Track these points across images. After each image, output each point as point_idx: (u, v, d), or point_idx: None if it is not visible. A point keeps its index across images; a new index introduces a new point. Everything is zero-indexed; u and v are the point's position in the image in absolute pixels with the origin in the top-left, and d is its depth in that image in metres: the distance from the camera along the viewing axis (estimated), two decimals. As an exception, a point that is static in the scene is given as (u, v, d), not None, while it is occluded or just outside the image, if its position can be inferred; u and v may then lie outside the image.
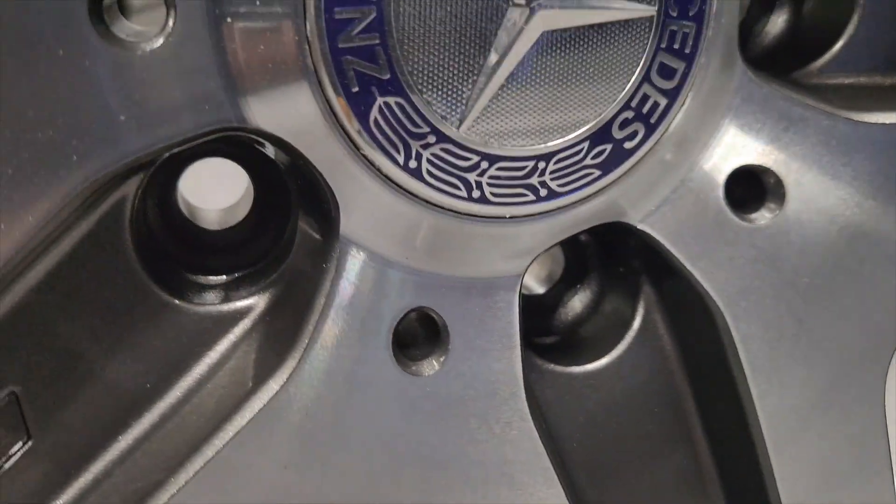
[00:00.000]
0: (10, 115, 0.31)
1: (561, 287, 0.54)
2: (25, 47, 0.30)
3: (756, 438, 0.46)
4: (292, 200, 0.43)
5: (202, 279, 0.43)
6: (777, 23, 0.49)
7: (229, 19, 0.34)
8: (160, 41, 0.33)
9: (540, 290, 0.54)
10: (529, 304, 0.50)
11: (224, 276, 0.43)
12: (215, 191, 0.50)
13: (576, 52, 0.38)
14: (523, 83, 0.38)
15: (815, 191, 0.45)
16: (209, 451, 0.37)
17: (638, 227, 0.44)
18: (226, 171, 0.48)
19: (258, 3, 0.34)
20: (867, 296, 0.45)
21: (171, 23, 0.33)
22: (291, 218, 0.44)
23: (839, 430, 0.46)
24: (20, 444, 0.36)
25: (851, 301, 0.45)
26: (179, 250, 0.43)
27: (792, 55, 0.48)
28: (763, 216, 0.45)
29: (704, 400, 0.48)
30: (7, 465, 0.37)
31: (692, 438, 0.48)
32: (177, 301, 0.40)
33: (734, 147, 0.45)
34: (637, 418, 0.48)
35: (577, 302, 0.53)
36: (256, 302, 0.42)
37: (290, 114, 0.36)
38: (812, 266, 0.45)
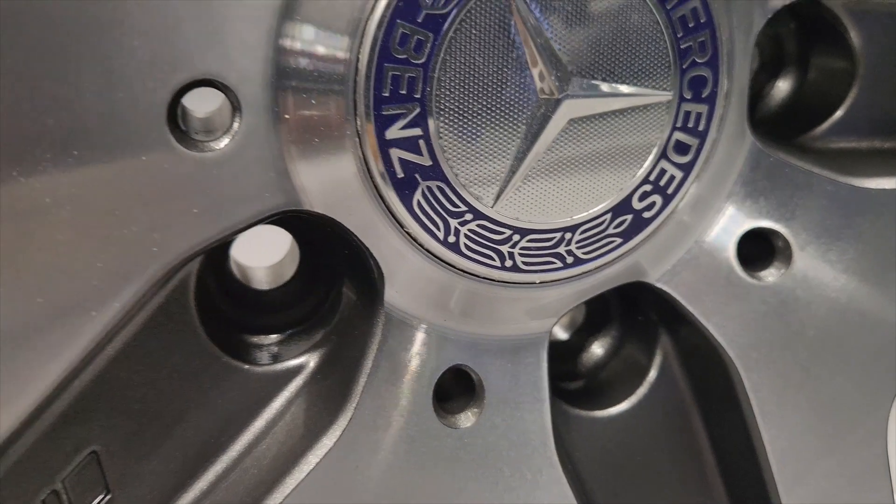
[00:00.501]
0: (101, 215, 0.34)
1: (583, 333, 0.57)
2: (114, 156, 0.34)
3: (767, 479, 0.49)
4: (337, 265, 0.47)
5: (257, 339, 0.47)
6: (782, 89, 0.52)
7: (287, 117, 0.38)
8: (226, 141, 0.37)
9: (563, 336, 0.58)
10: (553, 350, 0.54)
11: (277, 336, 0.47)
12: (260, 247, 0.54)
13: (599, 135, 0.42)
14: (551, 165, 0.42)
15: (819, 251, 0.48)
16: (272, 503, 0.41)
17: (656, 285, 0.48)
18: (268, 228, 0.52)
19: (314, 102, 0.38)
20: (868, 347, 0.49)
21: (235, 125, 0.37)
22: (336, 282, 0.48)
23: (843, 472, 0.50)
24: (100, 497, 0.40)
25: (853, 352, 0.49)
26: (236, 312, 0.47)
27: (797, 120, 0.51)
28: (771, 274, 0.48)
29: (719, 443, 0.52)
30: (87, 518, 0.40)
31: (708, 480, 0.52)
32: (237, 362, 0.44)
33: (744, 211, 0.48)
34: (656, 460, 0.52)
35: (599, 348, 0.57)
36: (308, 360, 0.46)
37: (341, 197, 0.40)
38: (817, 320, 0.49)
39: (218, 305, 0.46)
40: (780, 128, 0.52)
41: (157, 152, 0.35)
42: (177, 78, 0.35)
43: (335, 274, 0.48)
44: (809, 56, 0.51)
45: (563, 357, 0.57)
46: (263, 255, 0.54)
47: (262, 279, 0.51)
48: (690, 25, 0.42)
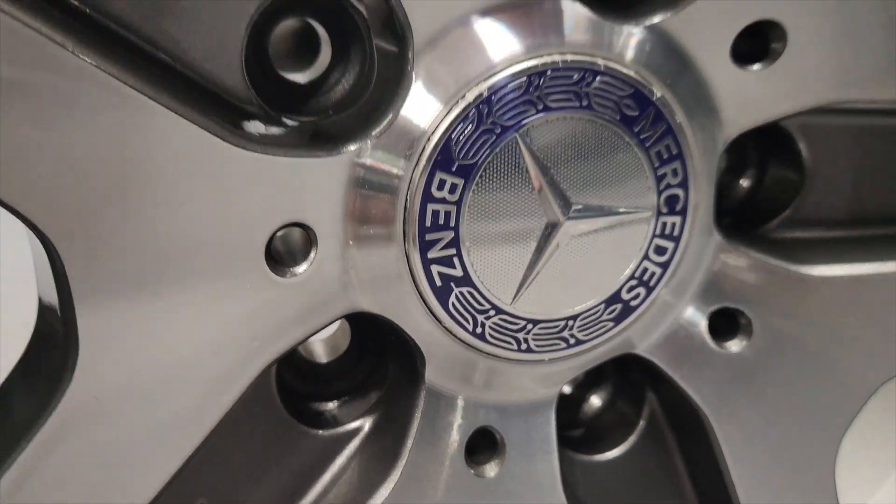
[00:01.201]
0: (218, 329, 0.45)
1: (584, 389, 0.68)
2: (226, 284, 0.45)
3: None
4: (385, 343, 0.57)
5: (321, 406, 0.57)
6: (744, 187, 0.63)
7: (351, 243, 0.49)
8: (305, 266, 0.48)
9: (567, 390, 0.68)
10: (559, 402, 0.64)
11: (336, 402, 0.58)
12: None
13: (594, 246, 0.52)
14: (556, 270, 0.52)
15: (777, 326, 0.59)
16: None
17: (643, 355, 0.59)
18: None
19: (372, 232, 0.49)
20: (816, 403, 0.59)
21: (312, 255, 0.47)
22: (383, 355, 0.58)
23: (802, 499, 0.60)
24: (204, 540, 0.51)
25: (805, 407, 0.60)
26: (302, 383, 0.58)
27: (756, 214, 0.62)
28: (736, 345, 0.59)
29: (698, 482, 0.63)
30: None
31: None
32: (306, 428, 0.54)
33: (713, 293, 0.59)
34: (647, 498, 0.62)
35: (596, 400, 0.67)
36: (363, 423, 0.56)
37: (393, 301, 0.51)
38: (776, 380, 0.59)
39: (288, 379, 0.57)
40: (743, 219, 0.63)
41: (256, 280, 0.46)
42: (275, 224, 0.45)
43: (383, 349, 0.59)
44: (767, 163, 0.61)
45: (566, 408, 0.67)
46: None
47: (320, 353, 0.61)
48: (665, 157, 0.53)
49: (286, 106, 0.51)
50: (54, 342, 0.43)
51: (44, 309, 0.46)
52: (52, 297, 0.45)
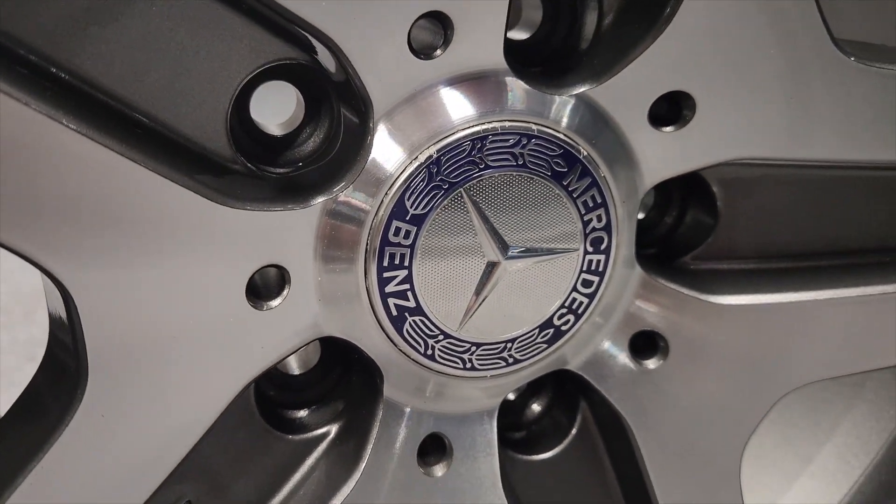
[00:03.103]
0: (202, 358, 0.53)
1: (525, 394, 0.76)
2: (211, 320, 0.52)
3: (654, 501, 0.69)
4: (349, 362, 0.66)
5: (292, 413, 0.65)
6: (666, 223, 0.71)
7: (320, 280, 0.57)
8: (278, 301, 0.55)
9: (511, 396, 0.77)
10: (502, 408, 0.73)
11: (306, 410, 0.66)
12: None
13: (529, 280, 0.61)
14: (496, 301, 0.60)
15: (690, 347, 0.68)
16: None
17: (574, 371, 0.67)
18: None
19: (338, 271, 0.56)
20: (723, 413, 0.69)
21: (286, 291, 0.55)
22: (348, 370, 0.66)
23: (710, 497, 0.69)
24: (191, 530, 0.59)
25: (715, 414, 0.69)
26: (276, 393, 0.66)
27: (674, 248, 0.70)
28: (654, 363, 0.68)
29: (622, 480, 0.72)
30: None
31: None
32: (279, 433, 0.62)
33: (634, 316, 0.67)
34: (579, 496, 0.71)
35: (536, 406, 0.76)
36: (329, 430, 0.64)
37: (355, 327, 0.59)
38: (687, 394, 0.68)
39: (264, 389, 0.65)
40: (664, 250, 0.71)
41: (237, 313, 0.54)
42: (252, 268, 0.53)
43: (347, 365, 0.67)
44: (686, 204, 0.70)
45: (510, 412, 0.76)
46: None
47: (293, 366, 0.69)
48: (591, 205, 0.61)
49: (263, 158, 0.59)
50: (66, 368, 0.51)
51: (54, 336, 0.54)
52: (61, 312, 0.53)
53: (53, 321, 0.52)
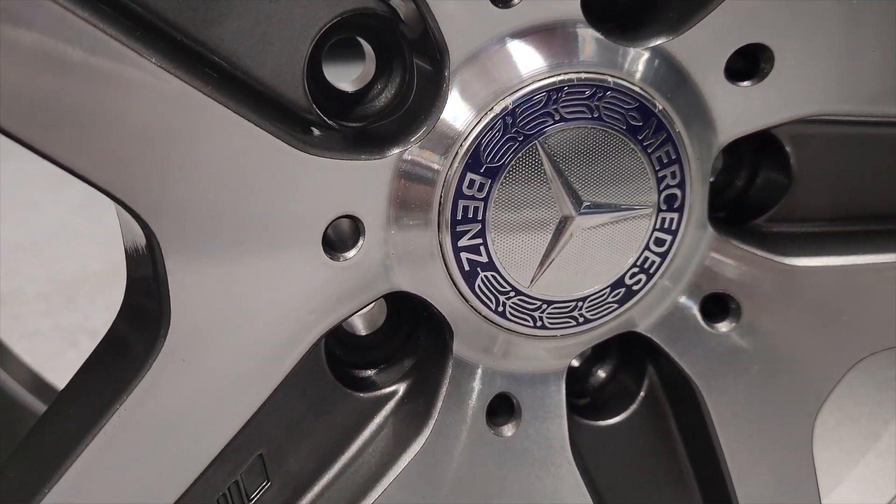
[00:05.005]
0: (280, 307, 0.53)
1: (590, 361, 0.76)
2: (292, 266, 0.52)
3: (725, 473, 0.68)
4: (417, 318, 0.65)
5: (361, 372, 0.65)
6: (737, 185, 0.70)
7: (393, 232, 0.56)
8: (353, 252, 0.55)
9: (576, 363, 0.76)
10: (569, 374, 0.72)
11: (374, 370, 0.66)
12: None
13: (602, 237, 0.60)
14: (569, 258, 0.60)
15: (762, 311, 0.66)
16: (376, 493, 0.60)
17: (643, 333, 0.66)
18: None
19: (411, 223, 0.56)
20: (795, 378, 0.67)
21: (360, 241, 0.55)
22: (416, 329, 0.66)
23: (779, 468, 0.68)
24: (263, 485, 0.59)
25: (785, 382, 0.67)
26: (345, 353, 0.66)
27: (747, 209, 0.69)
28: (726, 326, 0.67)
29: (691, 448, 0.71)
30: (253, 500, 0.59)
31: (685, 479, 0.71)
32: (349, 390, 0.62)
33: (706, 278, 0.66)
34: (645, 461, 0.70)
35: (601, 371, 0.75)
36: (398, 388, 0.64)
37: (427, 282, 0.59)
38: (760, 358, 0.67)
39: (334, 349, 0.65)
40: (735, 214, 0.70)
41: (313, 263, 0.54)
42: (330, 216, 0.53)
43: (415, 323, 0.66)
44: (759, 165, 0.68)
45: (576, 379, 0.75)
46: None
47: (359, 326, 0.69)
48: (665, 161, 0.60)
49: (336, 113, 0.59)
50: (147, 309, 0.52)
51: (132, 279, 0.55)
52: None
53: (132, 261, 0.53)
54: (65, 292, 1.95)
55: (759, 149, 0.70)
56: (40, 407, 0.98)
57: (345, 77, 0.62)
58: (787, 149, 0.68)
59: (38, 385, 1.04)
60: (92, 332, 1.81)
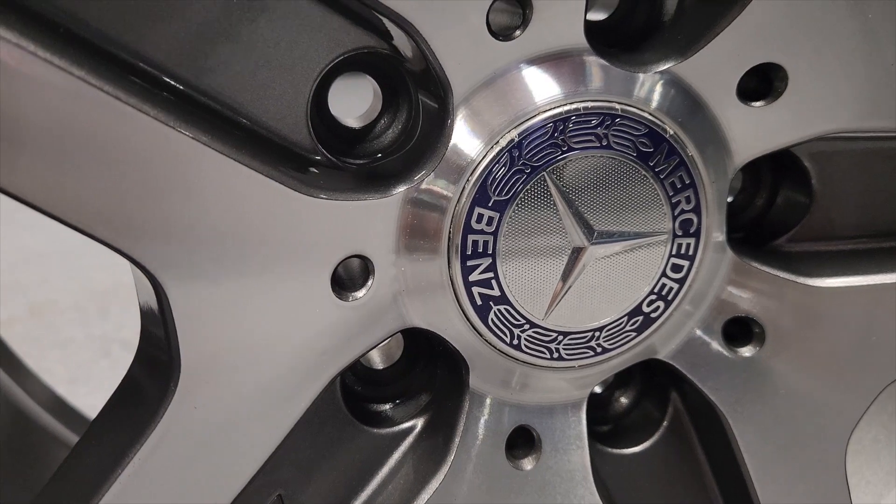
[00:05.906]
0: (292, 350, 0.53)
1: (612, 387, 0.74)
2: (305, 309, 0.52)
3: (754, 500, 0.66)
4: (433, 353, 0.65)
5: (378, 407, 0.65)
6: (757, 205, 0.68)
7: (404, 269, 0.56)
8: (363, 292, 0.55)
9: (598, 390, 0.75)
10: (590, 400, 0.71)
11: (391, 404, 0.65)
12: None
13: (616, 266, 0.59)
14: (584, 288, 0.59)
15: (786, 335, 0.65)
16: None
17: (665, 360, 0.65)
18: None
19: (421, 260, 0.56)
20: (824, 403, 0.65)
21: (370, 281, 0.55)
22: (432, 363, 0.66)
23: (811, 493, 0.66)
24: (282, 523, 0.59)
25: (814, 404, 0.65)
26: (361, 388, 0.65)
27: (767, 230, 0.67)
28: (749, 350, 0.65)
29: (718, 474, 0.69)
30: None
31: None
32: (366, 427, 0.62)
33: (727, 302, 0.65)
34: (672, 491, 0.69)
35: (624, 399, 0.74)
36: (416, 423, 0.64)
37: (439, 318, 0.58)
38: (785, 382, 0.65)
39: (350, 384, 0.65)
40: (756, 233, 0.68)
41: (323, 304, 0.54)
42: (336, 258, 0.53)
43: (432, 358, 0.66)
44: (778, 185, 0.67)
45: (597, 406, 0.74)
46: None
47: (377, 361, 0.69)
48: (678, 187, 0.59)
49: (341, 150, 0.58)
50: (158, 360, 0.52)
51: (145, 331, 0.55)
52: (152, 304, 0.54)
53: (145, 315, 0.53)
54: (98, 302, 1.97)
55: (778, 167, 0.68)
56: (60, 428, 0.99)
57: (358, 88, 0.61)
58: (807, 166, 0.66)
59: (58, 406, 1.05)
60: (124, 342, 1.84)
